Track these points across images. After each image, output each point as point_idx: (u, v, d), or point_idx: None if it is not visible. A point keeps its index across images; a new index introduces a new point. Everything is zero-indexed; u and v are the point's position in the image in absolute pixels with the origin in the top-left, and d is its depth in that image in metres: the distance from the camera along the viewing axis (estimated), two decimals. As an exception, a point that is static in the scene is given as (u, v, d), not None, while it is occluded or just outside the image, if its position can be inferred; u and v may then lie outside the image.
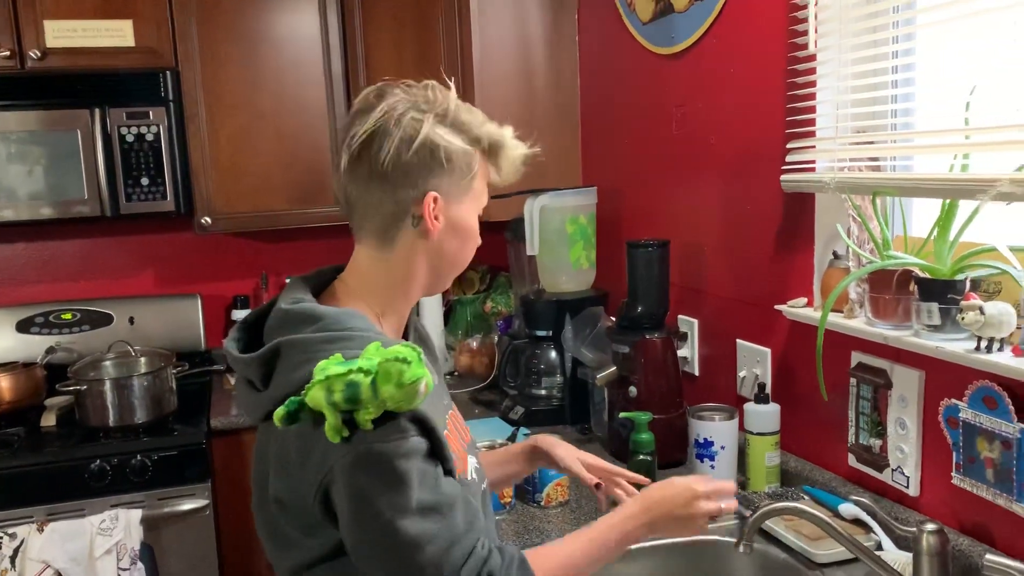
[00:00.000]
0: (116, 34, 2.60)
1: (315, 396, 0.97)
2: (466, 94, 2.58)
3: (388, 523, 0.99)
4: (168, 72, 2.63)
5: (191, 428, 2.51)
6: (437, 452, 1.05)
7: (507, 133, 1.21)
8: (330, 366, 0.97)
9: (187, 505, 2.44)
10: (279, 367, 1.06)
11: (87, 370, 2.59)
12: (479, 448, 1.50)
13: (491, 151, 1.19)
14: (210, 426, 2.51)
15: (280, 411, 1.00)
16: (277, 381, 1.06)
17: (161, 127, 2.63)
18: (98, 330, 2.86)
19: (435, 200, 1.13)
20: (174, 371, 2.62)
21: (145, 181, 2.64)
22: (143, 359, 2.67)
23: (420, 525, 1.00)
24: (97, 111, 2.56)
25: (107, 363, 2.64)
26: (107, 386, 2.47)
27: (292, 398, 1.00)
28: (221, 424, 2.52)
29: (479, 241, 1.23)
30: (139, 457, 2.40)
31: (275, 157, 2.77)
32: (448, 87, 1.18)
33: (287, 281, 1.18)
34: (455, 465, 1.09)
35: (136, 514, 2.34)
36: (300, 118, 2.79)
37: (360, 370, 0.96)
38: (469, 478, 1.18)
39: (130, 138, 2.61)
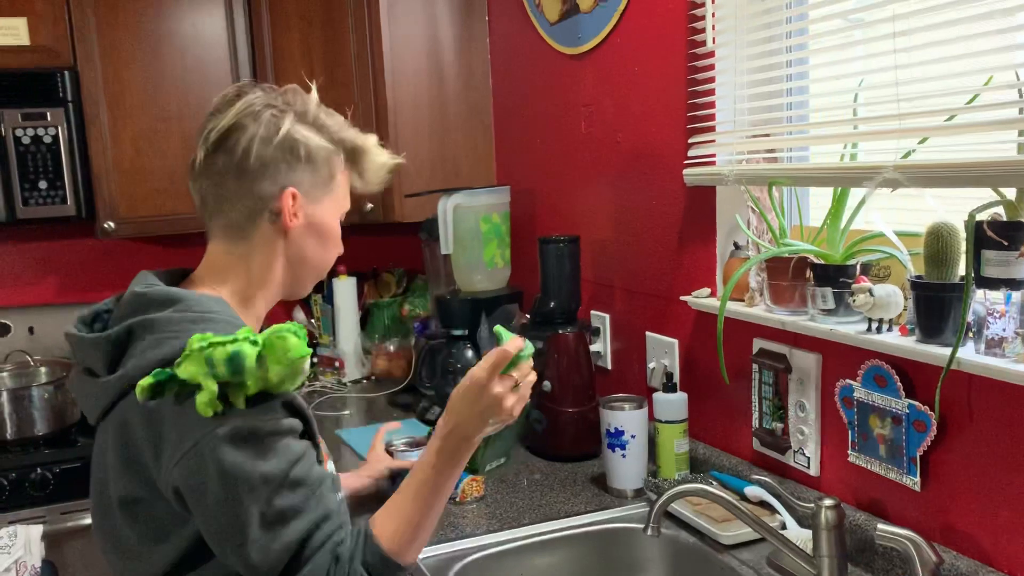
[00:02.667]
0: (10, 32, 2.50)
1: (191, 367, 0.94)
2: (377, 95, 2.56)
3: (260, 498, 0.98)
4: (66, 72, 2.54)
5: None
6: (310, 435, 1.06)
7: (371, 140, 1.23)
8: (209, 337, 0.95)
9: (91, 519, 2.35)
10: (133, 349, 1.03)
11: (-18, 382, 2.48)
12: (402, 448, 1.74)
13: (353, 155, 1.21)
14: (116, 437, 2.42)
15: (146, 380, 0.96)
16: (131, 363, 1.02)
17: (60, 129, 2.54)
18: (-5, 341, 2.74)
19: (294, 196, 1.13)
20: (77, 381, 2.52)
21: (43, 185, 2.55)
22: (43, 369, 2.56)
23: (290, 499, 1.00)
24: (-11, 112, 2.46)
25: (4, 374, 2.53)
26: (4, 397, 2.36)
27: (160, 369, 0.96)
28: (128, 434, 2.44)
29: (341, 248, 1.24)
30: (39, 471, 2.31)
31: (180, 160, 2.70)
32: (309, 90, 1.18)
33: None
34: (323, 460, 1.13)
35: (37, 530, 2.24)
36: (207, 120, 2.73)
37: (248, 340, 0.94)
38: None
39: (26, 140, 2.51)
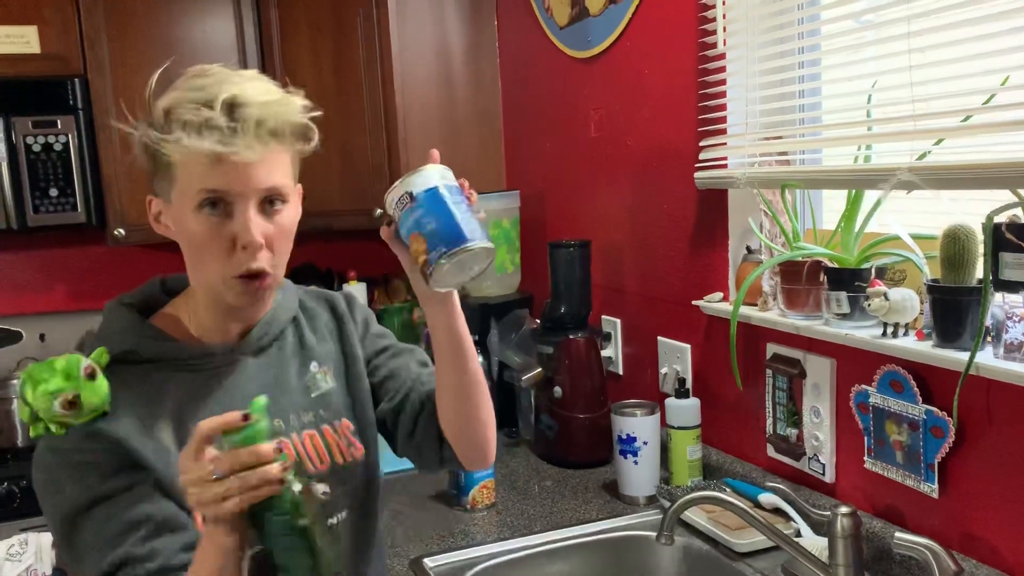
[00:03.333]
0: (20, 40, 2.51)
1: (22, 389, 0.98)
2: (386, 100, 2.56)
3: (57, 530, 0.99)
4: (76, 80, 2.55)
5: (106, 446, 2.42)
6: (138, 465, 0.98)
7: (180, 89, 0.99)
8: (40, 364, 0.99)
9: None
10: None
11: (-6, 390, 2.48)
12: None
13: (164, 126, 0.97)
14: (126, 444, 2.42)
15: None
16: None
17: (70, 136, 2.55)
18: (6, 348, 2.73)
19: (150, 203, 1.06)
20: (88, 388, 2.52)
21: (54, 192, 2.55)
22: (54, 377, 2.56)
23: (83, 536, 0.98)
24: (0, 120, 2.46)
25: (15, 381, 2.53)
26: (15, 405, 2.36)
27: None
28: (138, 441, 2.43)
29: (207, 250, 0.99)
30: (50, 478, 2.31)
31: (191, 166, 2.71)
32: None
33: None
34: None
35: (47, 538, 2.23)
36: (217, 126, 2.72)
37: (27, 371, 0.97)
38: None
39: (37, 148, 2.52)
